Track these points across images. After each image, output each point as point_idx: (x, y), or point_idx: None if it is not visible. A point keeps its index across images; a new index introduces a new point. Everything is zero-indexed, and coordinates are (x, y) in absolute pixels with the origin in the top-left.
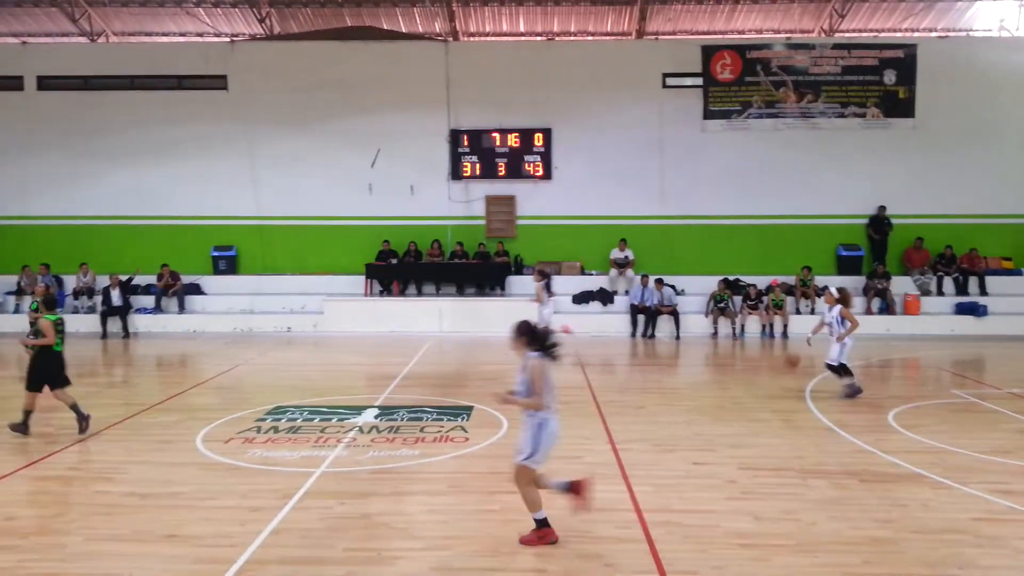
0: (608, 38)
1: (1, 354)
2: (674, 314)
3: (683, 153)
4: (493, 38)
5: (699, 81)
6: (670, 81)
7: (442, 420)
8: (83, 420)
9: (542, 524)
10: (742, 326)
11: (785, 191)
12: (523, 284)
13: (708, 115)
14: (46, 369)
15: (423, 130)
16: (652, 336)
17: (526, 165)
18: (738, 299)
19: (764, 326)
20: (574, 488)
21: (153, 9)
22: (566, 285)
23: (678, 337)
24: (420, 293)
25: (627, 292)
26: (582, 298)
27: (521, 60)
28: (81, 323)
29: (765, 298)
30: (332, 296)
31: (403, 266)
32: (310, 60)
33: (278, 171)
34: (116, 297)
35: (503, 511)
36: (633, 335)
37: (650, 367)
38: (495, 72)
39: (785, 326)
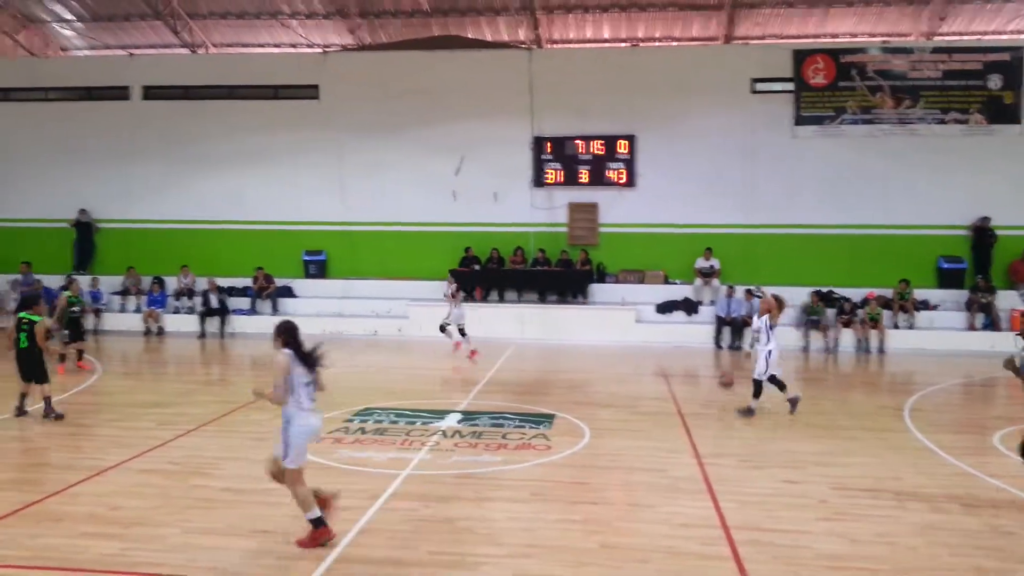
0: (694, 43)
1: (107, 351)
2: None
3: (772, 160)
4: (577, 45)
5: (790, 86)
6: (759, 86)
7: (524, 427)
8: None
9: (316, 524)
10: (836, 340)
11: (881, 199)
12: (605, 292)
13: (799, 121)
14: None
15: (506, 137)
16: (739, 348)
17: (609, 172)
18: (831, 312)
19: (859, 340)
20: (321, 503)
21: (250, 21)
22: (649, 295)
23: None
24: (502, 300)
25: (712, 302)
26: (666, 308)
27: (605, 66)
28: (182, 323)
29: (860, 311)
30: (416, 301)
31: (485, 272)
32: (398, 69)
33: (366, 178)
34: (214, 300)
35: (585, 522)
36: (718, 346)
37: (737, 380)
38: (578, 79)
39: (881, 341)
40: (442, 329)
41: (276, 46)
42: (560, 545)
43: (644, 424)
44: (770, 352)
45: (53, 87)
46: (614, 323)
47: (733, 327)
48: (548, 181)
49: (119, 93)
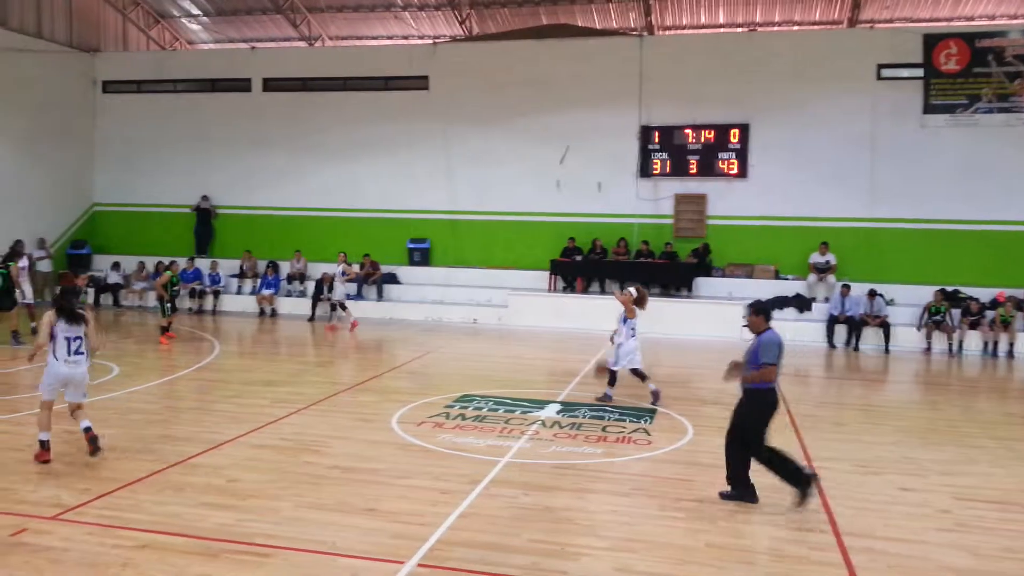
0: (816, 27)
1: (224, 331)
2: (884, 326)
3: (898, 150)
4: (690, 31)
5: (919, 72)
6: (885, 72)
7: (624, 421)
8: None
9: (42, 445)
10: (960, 342)
11: (1017, 193)
12: (711, 286)
13: (928, 109)
14: None
15: (613, 127)
16: (856, 348)
17: (720, 163)
18: (956, 312)
19: (986, 343)
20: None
21: (364, 14)
22: (758, 290)
23: (887, 351)
24: (604, 291)
25: (826, 299)
26: (776, 304)
27: (719, 53)
28: (294, 306)
29: (991, 312)
30: (517, 291)
31: (588, 263)
32: (506, 59)
33: (472, 167)
34: (326, 289)
35: (689, 519)
36: (831, 345)
37: (852, 381)
38: (690, 66)
39: (1011, 345)
40: (336, 307)
41: (389, 38)
42: (663, 541)
43: None
44: (620, 345)
45: (181, 79)
46: (720, 318)
47: (850, 325)
48: (655, 172)
49: (241, 85)
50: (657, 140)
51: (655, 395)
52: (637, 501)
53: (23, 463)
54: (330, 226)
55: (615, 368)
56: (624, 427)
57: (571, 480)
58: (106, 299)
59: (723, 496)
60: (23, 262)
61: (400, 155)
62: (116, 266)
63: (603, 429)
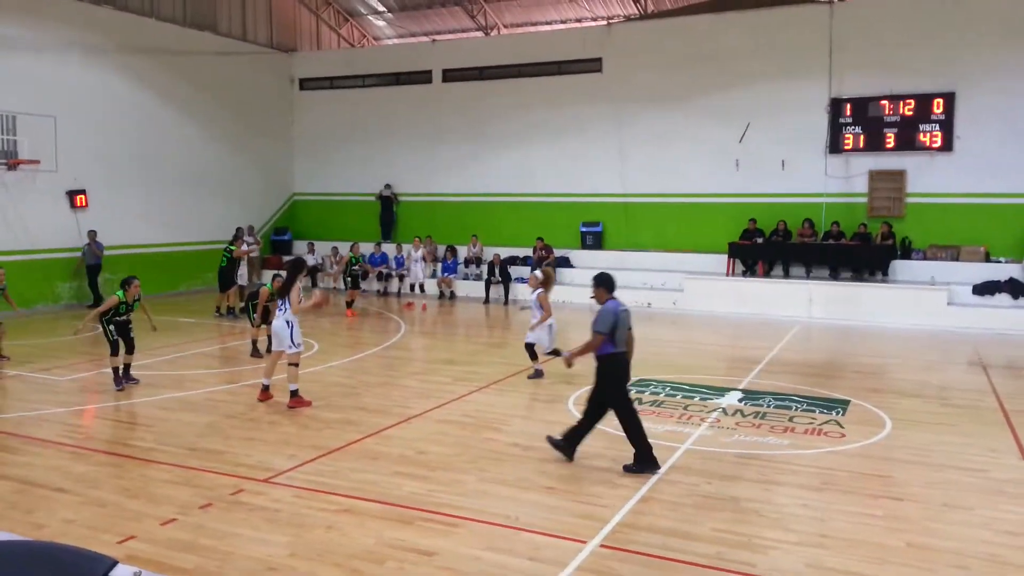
0: None
1: (404, 311)
2: None
3: None
4: None
5: None
6: None
7: (813, 412)
8: None
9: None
10: None
11: None
12: (910, 270)
13: None
14: None
15: (799, 101)
16: None
17: (920, 135)
18: None
19: None
20: None
21: (539, 0)
22: (965, 273)
23: None
24: (787, 275)
25: None
26: (985, 289)
27: (921, 15)
28: (470, 289)
29: None
30: (693, 274)
31: (770, 245)
32: (683, 36)
33: (645, 148)
34: (498, 271)
35: (887, 518)
36: None
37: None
38: (888, 32)
39: None
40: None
41: (562, 22)
42: (858, 539)
43: (957, 418)
44: (551, 325)
45: (367, 74)
46: (921, 304)
47: None
48: (846, 147)
49: (423, 77)
50: (849, 113)
51: (538, 373)
52: (829, 496)
53: (239, 428)
54: (505, 210)
55: (548, 351)
56: (814, 418)
57: (756, 471)
58: (304, 282)
59: (626, 469)
60: (244, 246)
61: (572, 139)
62: (311, 248)
63: (790, 419)
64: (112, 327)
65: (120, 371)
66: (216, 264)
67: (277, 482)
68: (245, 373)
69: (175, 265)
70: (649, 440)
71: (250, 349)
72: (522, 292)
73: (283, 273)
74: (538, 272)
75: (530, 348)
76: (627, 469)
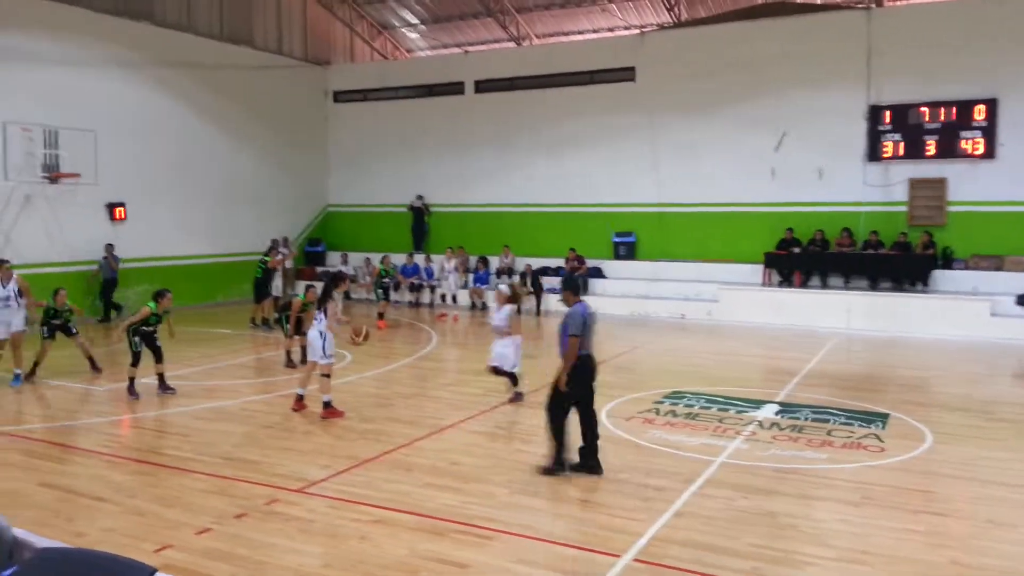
0: None
1: (436, 323)
2: None
3: None
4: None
5: None
6: None
7: (852, 425)
8: None
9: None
10: None
11: None
12: (952, 280)
13: None
14: None
15: (836, 108)
16: None
17: (962, 142)
18: None
19: None
20: None
21: (571, 10)
22: (1009, 283)
23: None
24: (825, 286)
25: None
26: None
27: (962, 20)
28: None
29: None
30: (728, 285)
31: (807, 255)
32: (716, 44)
33: (679, 158)
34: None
35: (930, 534)
36: None
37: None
38: (928, 37)
39: None
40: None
41: (594, 31)
42: (899, 556)
43: (1003, 433)
44: (517, 344)
45: (401, 86)
46: (963, 315)
47: None
48: (885, 155)
49: (455, 88)
50: (888, 120)
51: (517, 396)
52: (869, 511)
53: (274, 438)
54: (537, 221)
55: (513, 370)
56: (852, 432)
57: (793, 485)
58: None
59: (570, 468)
60: (278, 257)
61: (605, 148)
62: (345, 258)
63: (828, 433)
64: (137, 338)
65: (134, 382)
66: (251, 275)
67: (311, 492)
68: (279, 384)
69: (211, 277)
70: (683, 453)
71: (284, 360)
72: (554, 303)
73: (316, 285)
74: (503, 287)
75: (498, 371)
76: (546, 471)
